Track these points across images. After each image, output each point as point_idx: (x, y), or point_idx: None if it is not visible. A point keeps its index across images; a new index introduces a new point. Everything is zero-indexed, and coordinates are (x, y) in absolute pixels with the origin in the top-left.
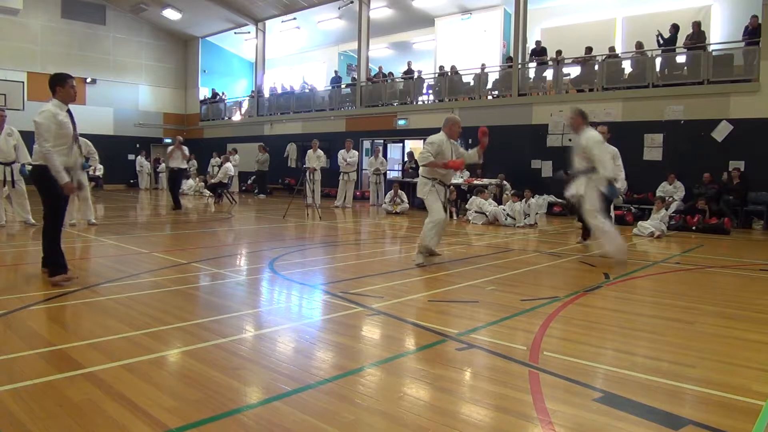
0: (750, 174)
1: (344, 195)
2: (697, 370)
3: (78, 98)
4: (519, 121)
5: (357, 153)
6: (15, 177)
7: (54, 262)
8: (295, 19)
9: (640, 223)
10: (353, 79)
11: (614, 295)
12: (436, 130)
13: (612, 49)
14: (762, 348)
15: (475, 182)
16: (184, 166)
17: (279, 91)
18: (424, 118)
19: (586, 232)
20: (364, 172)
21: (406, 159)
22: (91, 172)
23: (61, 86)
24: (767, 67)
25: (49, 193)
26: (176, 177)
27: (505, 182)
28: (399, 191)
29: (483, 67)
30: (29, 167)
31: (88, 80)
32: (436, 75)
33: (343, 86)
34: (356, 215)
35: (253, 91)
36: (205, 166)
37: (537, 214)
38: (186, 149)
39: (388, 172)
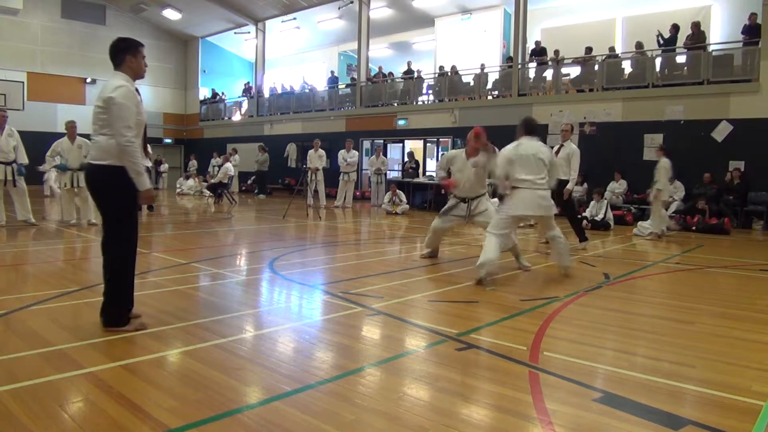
0: (750, 174)
1: (344, 195)
2: (697, 370)
3: (78, 98)
4: (519, 122)
5: (357, 153)
6: (15, 176)
7: (116, 304)
8: (295, 19)
9: (639, 223)
10: (352, 79)
11: (614, 295)
12: (436, 130)
13: (612, 49)
14: (762, 348)
15: None
16: (148, 164)
17: (279, 91)
18: (424, 118)
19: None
20: (364, 172)
21: (406, 159)
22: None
23: (132, 56)
24: (767, 67)
25: (116, 202)
26: None
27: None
28: (397, 191)
29: (483, 67)
30: (84, 165)
31: (88, 80)
32: (436, 75)
33: (342, 86)
34: (356, 215)
35: (245, 90)
36: (205, 166)
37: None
38: (148, 147)
39: (388, 172)
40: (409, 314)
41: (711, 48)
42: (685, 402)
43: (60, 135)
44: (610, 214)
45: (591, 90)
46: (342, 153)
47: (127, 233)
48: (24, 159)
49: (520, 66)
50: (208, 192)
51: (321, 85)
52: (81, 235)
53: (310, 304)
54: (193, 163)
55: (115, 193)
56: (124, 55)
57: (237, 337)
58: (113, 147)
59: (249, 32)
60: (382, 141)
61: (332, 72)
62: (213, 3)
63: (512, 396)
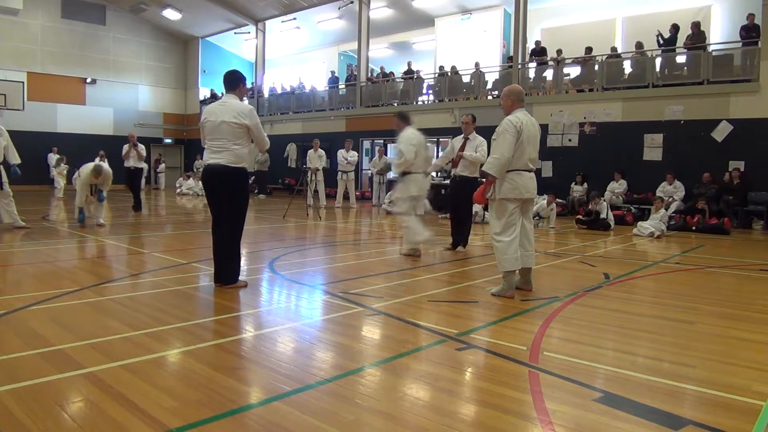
0: (750, 174)
1: (344, 194)
2: (697, 370)
3: (78, 98)
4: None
5: (356, 153)
6: (3, 179)
7: (237, 268)
8: (295, 19)
9: (639, 223)
10: (349, 78)
11: (614, 295)
12: (436, 130)
13: (612, 49)
14: (762, 348)
15: None
16: (141, 165)
17: (279, 91)
18: (424, 118)
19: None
20: (365, 171)
21: None
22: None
23: (243, 85)
24: (767, 67)
25: (244, 193)
26: (135, 176)
27: None
28: None
29: (477, 65)
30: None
31: (88, 80)
32: (436, 75)
33: (342, 86)
34: (356, 215)
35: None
36: None
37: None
38: (142, 148)
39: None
40: (409, 314)
41: (711, 48)
42: (685, 402)
43: (60, 135)
44: (610, 215)
45: (591, 90)
46: (341, 152)
47: (244, 216)
48: (16, 159)
49: (520, 66)
50: None
51: (321, 85)
52: (82, 235)
53: (310, 304)
54: (201, 163)
55: (244, 187)
56: (240, 83)
57: (237, 337)
58: (245, 154)
59: (249, 32)
60: (382, 141)
61: (333, 72)
62: (213, 3)
63: (512, 396)
